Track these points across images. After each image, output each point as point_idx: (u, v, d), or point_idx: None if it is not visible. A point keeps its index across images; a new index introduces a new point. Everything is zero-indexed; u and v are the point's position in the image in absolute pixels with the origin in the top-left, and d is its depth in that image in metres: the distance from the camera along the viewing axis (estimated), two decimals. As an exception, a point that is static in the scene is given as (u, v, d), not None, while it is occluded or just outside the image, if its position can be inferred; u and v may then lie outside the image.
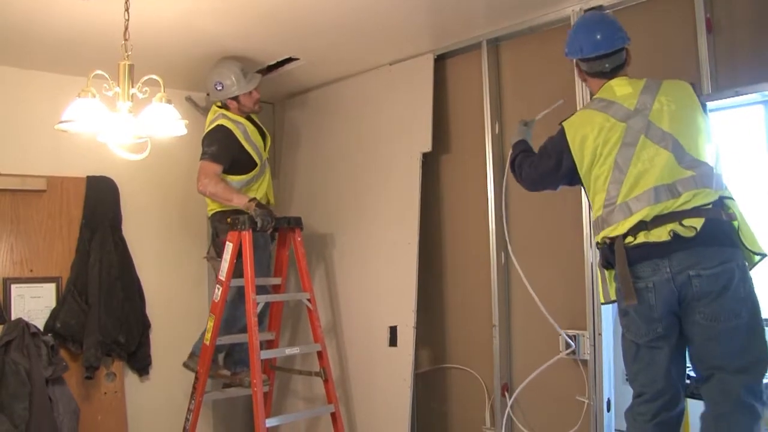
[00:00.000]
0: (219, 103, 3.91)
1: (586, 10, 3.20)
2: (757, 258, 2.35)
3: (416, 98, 3.90)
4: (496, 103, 3.68)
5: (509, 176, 3.15)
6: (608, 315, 3.10)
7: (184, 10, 3.15)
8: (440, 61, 3.93)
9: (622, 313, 2.51)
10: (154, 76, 2.68)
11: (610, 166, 2.46)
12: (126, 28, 2.74)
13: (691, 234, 2.28)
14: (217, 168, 3.72)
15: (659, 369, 2.42)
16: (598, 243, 2.54)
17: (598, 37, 2.59)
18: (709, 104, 2.87)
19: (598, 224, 2.53)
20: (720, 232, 2.31)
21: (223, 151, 3.73)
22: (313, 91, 4.68)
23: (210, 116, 3.91)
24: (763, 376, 2.30)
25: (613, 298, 2.48)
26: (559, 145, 2.62)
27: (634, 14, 3.16)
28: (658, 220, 2.33)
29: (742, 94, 2.81)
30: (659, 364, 2.42)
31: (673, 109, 2.43)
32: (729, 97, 2.84)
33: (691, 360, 2.42)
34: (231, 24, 3.37)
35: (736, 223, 2.35)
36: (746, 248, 2.32)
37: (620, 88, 2.55)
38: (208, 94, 3.96)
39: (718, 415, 2.28)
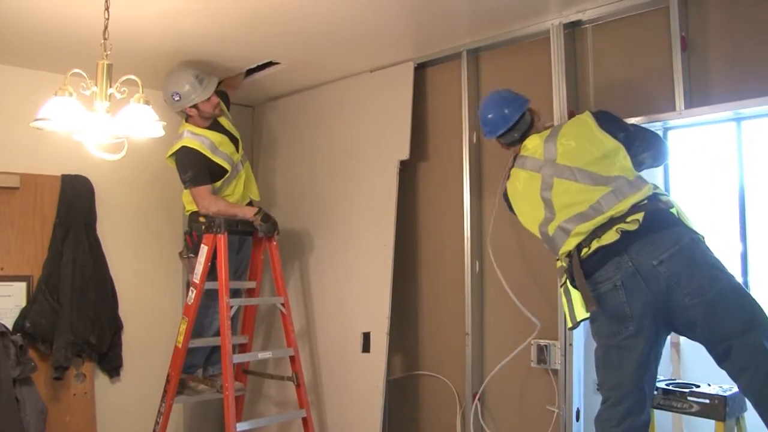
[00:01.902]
0: (185, 118, 3.86)
1: (565, 24, 3.26)
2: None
3: (395, 105, 3.92)
4: (475, 113, 3.70)
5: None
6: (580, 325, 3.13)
7: (165, 10, 3.13)
8: (420, 69, 3.95)
9: (591, 320, 2.60)
10: (132, 77, 2.67)
11: (541, 210, 2.74)
12: (105, 27, 2.72)
13: (635, 227, 2.46)
14: (208, 187, 3.76)
15: (626, 371, 2.47)
16: (562, 266, 2.70)
17: (490, 116, 2.95)
18: (683, 120, 2.96)
19: (551, 250, 2.78)
20: (662, 217, 2.49)
21: (201, 172, 3.75)
22: (292, 95, 4.68)
23: (179, 129, 3.85)
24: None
25: (579, 318, 2.58)
26: (506, 201, 3.02)
27: (612, 30, 3.21)
28: (602, 228, 2.53)
29: (715, 112, 2.86)
30: (627, 365, 2.47)
31: (573, 146, 2.71)
32: (702, 114, 2.90)
33: (704, 344, 2.43)
34: (212, 26, 3.36)
35: (674, 210, 2.52)
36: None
37: (530, 142, 2.88)
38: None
39: (763, 377, 2.27)
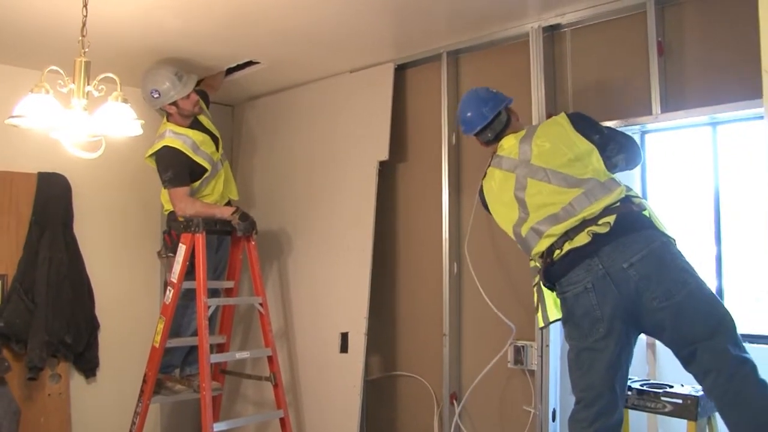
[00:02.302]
0: (166, 117, 3.84)
1: (544, 28, 3.28)
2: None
3: (375, 106, 3.93)
4: (454, 115, 3.71)
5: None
6: (556, 327, 3.16)
7: (143, 6, 3.11)
8: (400, 70, 3.96)
9: (563, 322, 2.63)
10: (110, 75, 2.65)
11: (516, 210, 2.75)
12: (83, 24, 2.70)
13: (606, 230, 2.48)
14: (186, 189, 3.75)
15: (598, 373, 2.49)
16: (535, 266, 2.73)
17: (469, 115, 2.98)
18: (660, 124, 3.00)
19: (524, 250, 2.79)
20: (633, 219, 2.51)
21: (181, 172, 3.74)
22: (272, 95, 4.67)
23: (159, 129, 3.84)
24: (734, 330, 2.37)
25: (552, 319, 2.65)
26: (482, 199, 3.01)
27: (590, 34, 3.25)
28: (575, 230, 2.55)
29: (690, 116, 2.90)
30: (598, 367, 2.49)
31: (547, 147, 2.73)
32: (677, 119, 2.93)
33: (671, 347, 2.47)
34: (192, 23, 3.34)
35: (646, 213, 2.54)
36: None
37: (507, 141, 2.90)
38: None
39: (725, 380, 2.31)
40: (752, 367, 2.31)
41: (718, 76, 2.85)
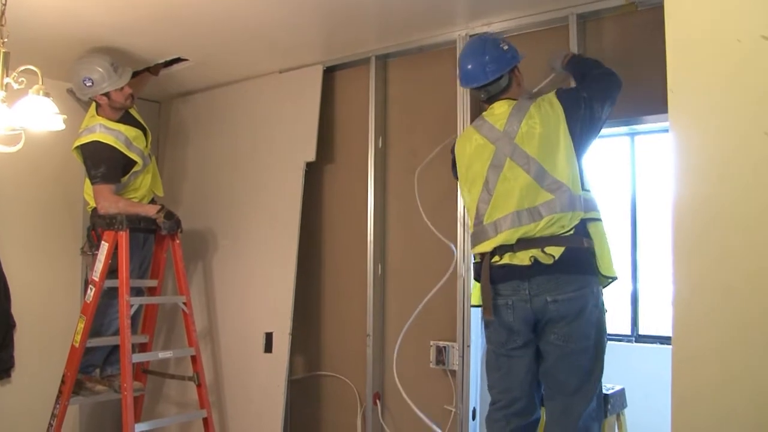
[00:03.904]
0: (94, 108, 3.74)
1: (471, 36, 3.35)
2: (608, 281, 2.55)
3: (303, 107, 3.94)
4: (381, 118, 3.77)
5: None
6: (477, 327, 3.24)
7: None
8: (329, 72, 3.99)
9: (485, 325, 2.70)
10: (31, 67, 2.59)
11: (480, 184, 2.62)
12: (2, 13, 2.63)
13: (549, 261, 2.45)
14: (111, 187, 3.66)
15: (515, 378, 2.58)
16: (474, 256, 2.72)
17: (469, 67, 2.75)
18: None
19: (473, 239, 2.70)
20: (578, 259, 2.47)
21: (112, 170, 3.65)
22: (201, 92, 4.62)
23: (86, 119, 3.74)
24: (597, 397, 2.49)
25: (473, 304, 2.69)
26: (453, 158, 2.83)
27: (516, 44, 3.29)
28: (523, 244, 2.49)
29: (608, 127, 3.01)
30: (516, 373, 2.58)
31: (539, 132, 2.52)
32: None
33: (541, 376, 2.58)
34: (119, 17, 3.26)
35: (595, 248, 2.51)
36: (600, 274, 2.51)
37: (499, 107, 2.69)
38: (70, 90, 3.83)
39: None
40: None
41: (636, 89, 2.95)
